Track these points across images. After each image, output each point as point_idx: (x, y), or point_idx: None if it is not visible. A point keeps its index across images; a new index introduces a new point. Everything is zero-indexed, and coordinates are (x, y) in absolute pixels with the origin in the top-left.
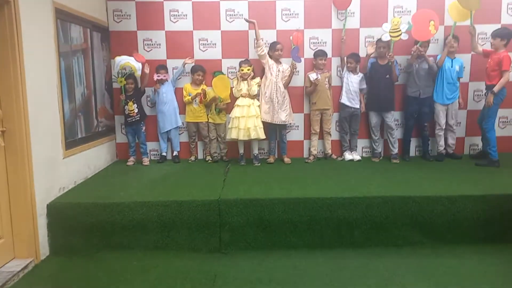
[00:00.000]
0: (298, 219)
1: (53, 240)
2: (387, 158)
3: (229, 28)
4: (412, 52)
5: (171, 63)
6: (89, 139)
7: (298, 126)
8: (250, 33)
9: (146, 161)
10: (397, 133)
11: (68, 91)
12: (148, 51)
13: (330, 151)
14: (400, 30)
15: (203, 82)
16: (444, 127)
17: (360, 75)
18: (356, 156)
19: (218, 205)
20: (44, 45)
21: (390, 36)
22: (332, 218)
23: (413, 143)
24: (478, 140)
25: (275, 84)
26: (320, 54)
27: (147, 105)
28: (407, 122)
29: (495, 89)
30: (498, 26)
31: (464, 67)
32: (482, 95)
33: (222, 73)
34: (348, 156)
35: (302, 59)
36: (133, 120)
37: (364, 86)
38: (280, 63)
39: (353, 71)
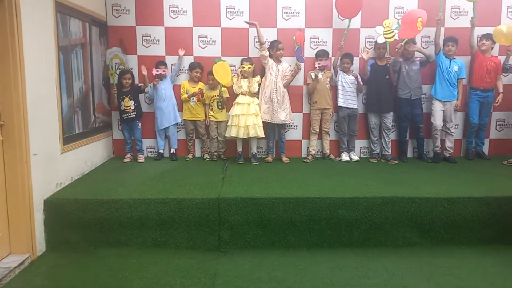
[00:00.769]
0: (298, 219)
1: (49, 236)
2: (385, 158)
3: (229, 25)
4: (397, 49)
5: (170, 60)
6: (86, 134)
7: (296, 126)
8: (250, 31)
9: (141, 158)
10: (392, 135)
11: (67, 85)
12: (146, 47)
13: (328, 151)
14: (393, 31)
15: (201, 80)
16: (440, 128)
17: (354, 74)
18: (354, 157)
19: (217, 203)
20: (44, 39)
21: (385, 38)
22: (331, 218)
23: (410, 145)
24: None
25: (274, 84)
26: (321, 54)
27: (145, 101)
28: (401, 123)
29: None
30: None
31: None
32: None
33: (222, 60)
34: (344, 157)
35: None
36: (128, 116)
37: (360, 83)
38: (280, 62)
39: (347, 71)
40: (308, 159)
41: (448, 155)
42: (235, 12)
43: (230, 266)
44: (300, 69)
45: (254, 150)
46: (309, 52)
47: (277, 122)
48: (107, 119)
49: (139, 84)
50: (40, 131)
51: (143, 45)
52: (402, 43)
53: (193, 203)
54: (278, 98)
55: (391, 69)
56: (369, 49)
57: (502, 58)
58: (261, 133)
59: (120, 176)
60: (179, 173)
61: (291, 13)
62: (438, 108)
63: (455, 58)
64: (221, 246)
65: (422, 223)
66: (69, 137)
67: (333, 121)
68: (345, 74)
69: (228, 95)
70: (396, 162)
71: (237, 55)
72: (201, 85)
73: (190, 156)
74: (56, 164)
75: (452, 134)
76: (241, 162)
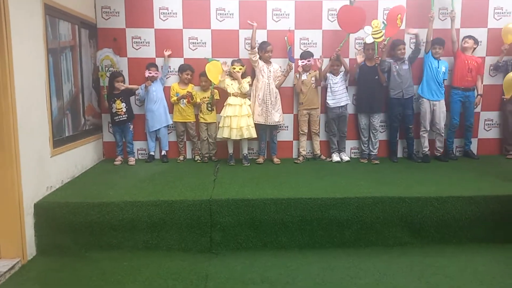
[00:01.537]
0: (290, 219)
1: (40, 240)
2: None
3: (220, 27)
4: (381, 49)
5: (160, 62)
6: (77, 137)
7: (287, 127)
8: (240, 33)
9: (132, 160)
10: (381, 135)
11: (56, 88)
12: (137, 49)
13: (319, 152)
14: (381, 31)
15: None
16: (428, 129)
17: (342, 73)
18: (344, 157)
19: (209, 205)
20: (33, 41)
21: (373, 38)
22: (323, 218)
23: (400, 145)
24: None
25: (267, 86)
26: (305, 55)
27: (135, 104)
28: (391, 124)
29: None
30: (485, 30)
31: (448, 70)
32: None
33: (216, 60)
34: (335, 158)
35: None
36: (120, 119)
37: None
38: (270, 63)
39: (335, 73)
40: (299, 160)
41: (438, 154)
42: (225, 14)
43: (222, 268)
44: (291, 69)
45: (245, 151)
46: (299, 53)
47: (271, 124)
48: (97, 121)
49: (131, 86)
50: (30, 134)
51: (133, 47)
52: (385, 42)
53: (185, 205)
54: (272, 100)
55: (379, 69)
56: (358, 50)
57: (489, 59)
58: (254, 134)
59: (111, 179)
60: (170, 175)
61: (281, 15)
62: (427, 109)
63: (441, 59)
64: (212, 247)
65: (413, 223)
66: (59, 140)
67: (323, 121)
68: (333, 75)
69: (218, 97)
70: (378, 162)
71: (227, 56)
72: (190, 87)
73: (181, 158)
74: (46, 167)
75: (442, 134)
76: (232, 164)
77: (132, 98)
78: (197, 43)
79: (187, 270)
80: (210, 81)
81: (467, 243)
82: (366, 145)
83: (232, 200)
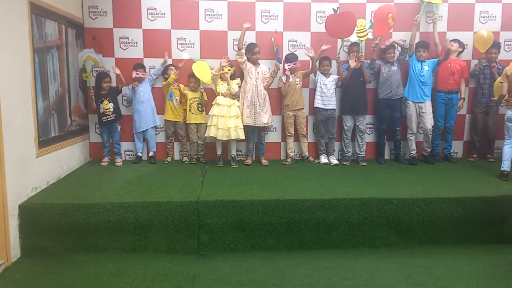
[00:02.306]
0: (277, 221)
1: (25, 241)
2: (356, 161)
3: (208, 28)
4: (372, 48)
5: (148, 62)
6: (63, 138)
7: (276, 128)
8: (229, 34)
9: (119, 161)
10: (368, 137)
11: (42, 88)
12: (124, 49)
13: (307, 153)
14: (366, 30)
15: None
16: (415, 131)
17: (334, 77)
18: (333, 161)
19: (197, 206)
20: (18, 41)
21: (357, 36)
22: (311, 220)
23: (387, 147)
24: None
25: (256, 87)
26: (290, 58)
27: (123, 104)
28: (379, 126)
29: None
30: (471, 33)
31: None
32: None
33: (201, 60)
34: (323, 159)
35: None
36: (108, 119)
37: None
38: (259, 64)
39: (326, 74)
40: (287, 161)
41: (426, 153)
42: (213, 15)
43: (210, 269)
44: (279, 69)
45: (233, 152)
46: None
47: (260, 125)
48: (84, 122)
49: (116, 85)
50: (15, 134)
51: (120, 47)
52: (377, 41)
53: (172, 206)
54: (260, 101)
55: (364, 67)
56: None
57: (475, 62)
58: (242, 135)
59: (98, 180)
60: (158, 177)
61: (270, 16)
62: (413, 112)
63: (425, 61)
64: (200, 249)
65: (400, 224)
66: (45, 141)
67: (311, 123)
68: (323, 76)
69: (207, 99)
70: (365, 164)
71: (216, 57)
72: (182, 86)
73: (169, 159)
74: (31, 168)
75: (429, 135)
76: (220, 165)
77: (119, 98)
78: (186, 43)
79: (174, 272)
80: (199, 81)
81: (452, 244)
82: (348, 148)
83: (220, 201)
